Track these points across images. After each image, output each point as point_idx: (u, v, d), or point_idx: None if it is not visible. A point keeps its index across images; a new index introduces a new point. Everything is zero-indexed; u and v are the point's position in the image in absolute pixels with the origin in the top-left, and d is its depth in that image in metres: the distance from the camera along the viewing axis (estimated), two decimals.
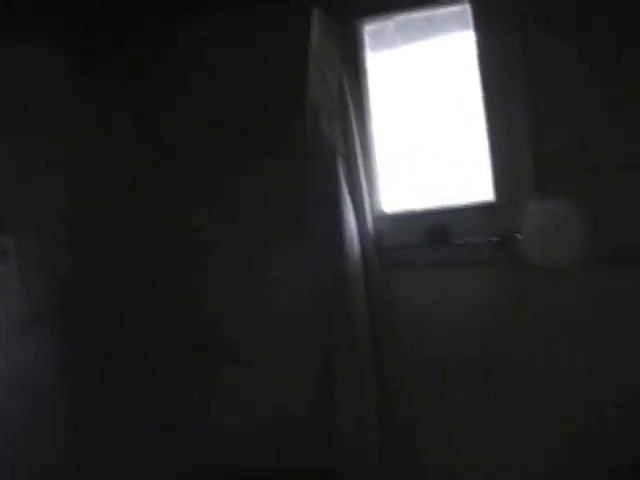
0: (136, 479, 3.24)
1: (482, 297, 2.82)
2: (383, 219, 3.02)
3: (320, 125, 2.80)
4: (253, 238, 3.20)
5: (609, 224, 2.62)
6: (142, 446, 3.29)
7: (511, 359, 2.80)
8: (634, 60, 2.57)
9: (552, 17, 2.69)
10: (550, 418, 2.74)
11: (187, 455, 3.37)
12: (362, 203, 2.91)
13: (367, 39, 3.05)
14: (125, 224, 3.34)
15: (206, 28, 3.22)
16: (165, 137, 3.35)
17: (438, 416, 2.92)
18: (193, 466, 3.36)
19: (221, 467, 3.29)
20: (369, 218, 2.93)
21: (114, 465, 3.23)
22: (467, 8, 2.87)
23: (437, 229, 2.90)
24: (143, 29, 3.32)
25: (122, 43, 3.33)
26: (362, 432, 2.84)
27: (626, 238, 2.61)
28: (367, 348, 2.85)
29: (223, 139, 3.21)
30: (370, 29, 3.05)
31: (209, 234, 3.30)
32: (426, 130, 3.02)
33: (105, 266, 3.32)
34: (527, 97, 2.71)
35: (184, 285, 3.36)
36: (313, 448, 3.06)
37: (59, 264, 3.13)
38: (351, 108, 2.89)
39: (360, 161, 2.91)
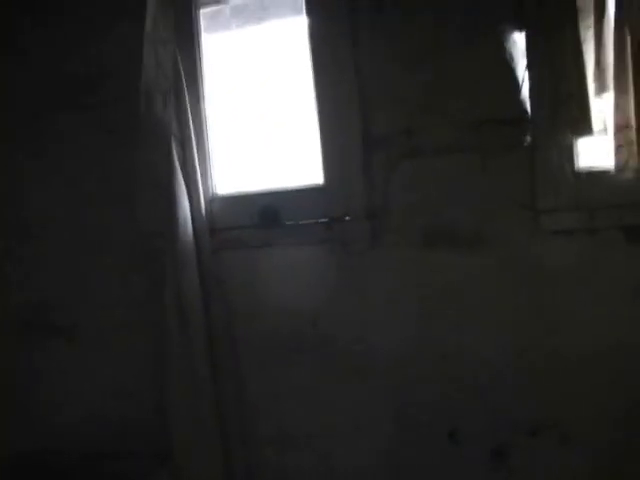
0: None
1: (311, 276, 2.93)
2: (216, 201, 3.09)
3: (154, 107, 2.86)
4: (86, 213, 3.26)
5: (431, 205, 2.75)
6: None
7: (338, 335, 2.93)
8: (454, 48, 2.70)
9: (382, 5, 2.77)
10: (378, 391, 2.89)
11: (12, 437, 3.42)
12: (195, 185, 2.95)
13: (202, 22, 3.10)
14: None
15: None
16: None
17: (269, 390, 3.05)
18: (17, 449, 3.38)
19: (48, 448, 3.35)
20: (202, 200, 2.98)
21: None
22: None
23: (268, 211, 2.98)
24: None
25: None
26: (194, 410, 2.95)
27: (445, 219, 2.75)
28: (199, 329, 2.94)
29: (57, 111, 3.26)
30: (206, 12, 3.11)
31: (41, 205, 3.35)
32: (260, 113, 3.10)
33: None
34: (356, 83, 2.80)
35: (16, 257, 3.42)
36: (149, 425, 3.16)
37: None
38: (185, 90, 2.93)
39: (194, 143, 2.95)
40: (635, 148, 2.46)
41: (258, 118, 3.13)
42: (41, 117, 3.31)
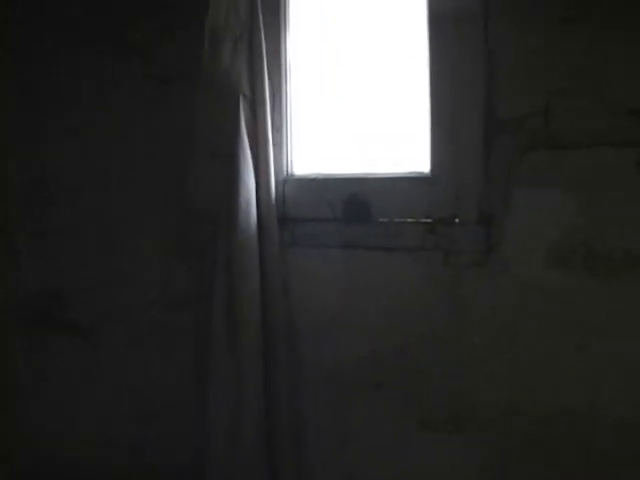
0: None
1: (402, 291, 2.74)
2: (290, 183, 2.92)
3: (221, 56, 2.73)
4: (120, 182, 3.18)
5: (567, 213, 2.51)
6: None
7: (429, 371, 2.72)
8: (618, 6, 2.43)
9: None
10: (475, 450, 2.67)
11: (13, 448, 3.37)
12: (266, 160, 2.80)
13: None
14: None
15: None
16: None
17: (336, 433, 2.88)
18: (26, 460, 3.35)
19: (60, 462, 3.32)
20: (272, 180, 2.82)
21: None
22: None
23: (356, 202, 2.80)
24: None
25: None
26: (239, 449, 2.78)
27: (585, 233, 2.51)
28: (255, 340, 2.78)
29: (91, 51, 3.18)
30: None
31: (66, 169, 3.27)
32: (354, 80, 2.88)
33: None
34: (483, 44, 2.57)
35: (30, 233, 3.36)
36: (178, 460, 3.07)
37: None
38: (263, 38, 2.74)
39: (268, 106, 2.79)
40: None
41: (353, 83, 2.90)
42: (70, 57, 3.23)
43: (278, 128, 2.89)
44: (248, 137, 2.77)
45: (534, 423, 2.59)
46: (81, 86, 3.21)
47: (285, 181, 2.92)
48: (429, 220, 2.69)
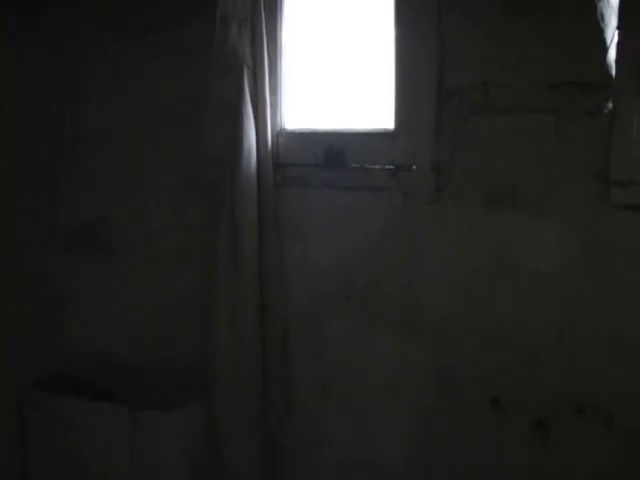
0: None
1: (369, 223, 3.04)
2: (282, 135, 3.17)
3: (229, 35, 3.00)
4: (142, 141, 3.46)
5: (499, 164, 2.81)
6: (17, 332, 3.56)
7: (388, 289, 3.05)
8: (541, 4, 2.71)
9: None
10: (422, 349, 2.99)
11: (58, 343, 3.65)
12: (264, 117, 3.04)
13: None
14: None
15: None
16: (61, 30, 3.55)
17: (311, 335, 3.21)
18: (64, 354, 3.62)
19: (92, 355, 3.59)
20: (269, 133, 3.06)
21: None
22: None
23: (334, 151, 3.07)
24: None
25: None
26: (237, 345, 3.11)
27: (512, 180, 2.79)
28: (252, 265, 3.09)
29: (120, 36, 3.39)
30: None
31: (100, 121, 3.54)
32: (336, 53, 3.16)
33: None
34: (437, 30, 2.84)
35: (71, 173, 3.61)
36: (189, 355, 3.34)
37: None
38: (263, 21, 3.02)
39: (267, 75, 3.04)
40: None
41: (334, 56, 3.17)
42: (107, 34, 3.44)
43: (274, 92, 3.13)
44: (250, 99, 3.02)
45: (470, 330, 2.90)
46: (118, 60, 3.44)
47: (278, 134, 3.16)
48: (392, 167, 2.97)
